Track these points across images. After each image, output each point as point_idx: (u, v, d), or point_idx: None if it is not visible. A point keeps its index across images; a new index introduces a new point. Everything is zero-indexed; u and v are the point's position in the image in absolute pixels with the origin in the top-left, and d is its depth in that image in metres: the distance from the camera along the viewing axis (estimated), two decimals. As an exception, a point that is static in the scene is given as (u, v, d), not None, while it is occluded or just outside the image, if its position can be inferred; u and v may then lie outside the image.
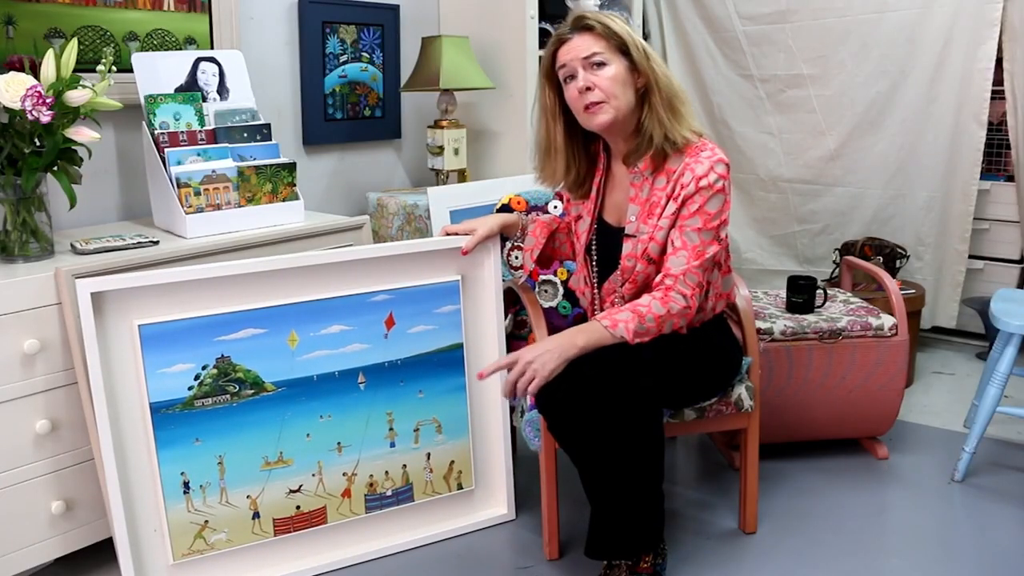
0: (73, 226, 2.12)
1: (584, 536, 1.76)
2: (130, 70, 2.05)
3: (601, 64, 1.70)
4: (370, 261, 1.87)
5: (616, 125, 1.74)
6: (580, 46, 1.71)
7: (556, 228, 2.01)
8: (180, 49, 2.28)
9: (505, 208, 2.24)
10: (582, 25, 1.72)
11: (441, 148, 2.75)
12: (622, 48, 1.70)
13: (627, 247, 1.76)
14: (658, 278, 1.71)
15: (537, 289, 2.23)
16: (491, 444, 2.07)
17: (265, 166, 2.09)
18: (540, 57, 1.85)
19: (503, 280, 2.08)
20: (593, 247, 1.86)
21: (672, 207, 1.69)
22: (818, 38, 3.25)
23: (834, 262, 3.15)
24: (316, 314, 1.83)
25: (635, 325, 1.63)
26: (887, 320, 2.33)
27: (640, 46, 1.70)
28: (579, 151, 1.84)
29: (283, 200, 2.13)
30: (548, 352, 1.62)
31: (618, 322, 1.64)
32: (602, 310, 1.83)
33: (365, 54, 2.82)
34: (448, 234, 1.95)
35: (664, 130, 1.69)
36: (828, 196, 3.37)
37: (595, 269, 1.87)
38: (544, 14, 2.91)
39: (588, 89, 1.70)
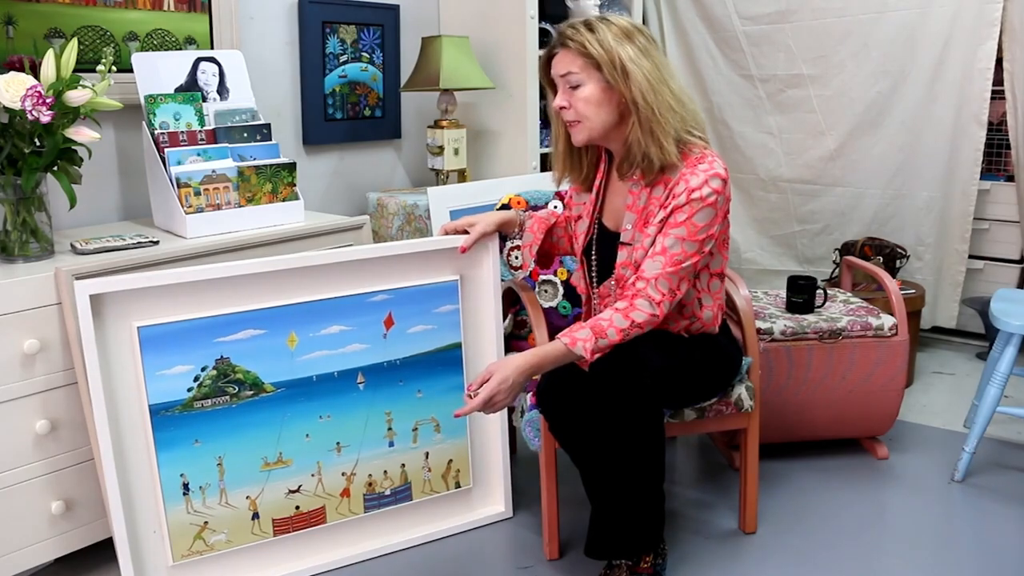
0: (73, 226, 2.12)
1: (584, 536, 1.76)
2: (130, 70, 2.05)
3: (576, 85, 1.69)
4: (369, 261, 1.87)
5: (599, 140, 1.75)
6: (560, 63, 1.71)
7: (554, 223, 2.01)
8: (180, 49, 2.28)
9: (505, 208, 2.24)
10: (561, 41, 1.70)
11: (441, 148, 2.75)
12: (599, 66, 1.66)
13: (622, 255, 1.75)
14: (631, 279, 1.70)
15: (537, 289, 2.23)
16: (489, 443, 2.07)
17: (265, 166, 2.09)
18: (540, 57, 1.84)
19: (503, 280, 2.08)
20: (593, 250, 1.86)
21: (661, 214, 1.68)
22: (818, 38, 3.25)
23: (834, 262, 3.15)
24: (315, 315, 1.83)
25: (592, 344, 1.61)
26: (887, 320, 2.33)
27: (618, 64, 1.63)
28: (586, 152, 1.84)
29: (283, 200, 2.13)
30: (514, 387, 1.63)
31: (577, 340, 1.62)
32: (599, 310, 1.83)
33: (365, 54, 2.82)
34: (446, 232, 1.95)
35: (642, 149, 1.66)
36: (828, 196, 3.37)
37: (594, 271, 1.87)
38: (544, 14, 2.91)
39: (564, 108, 1.72)
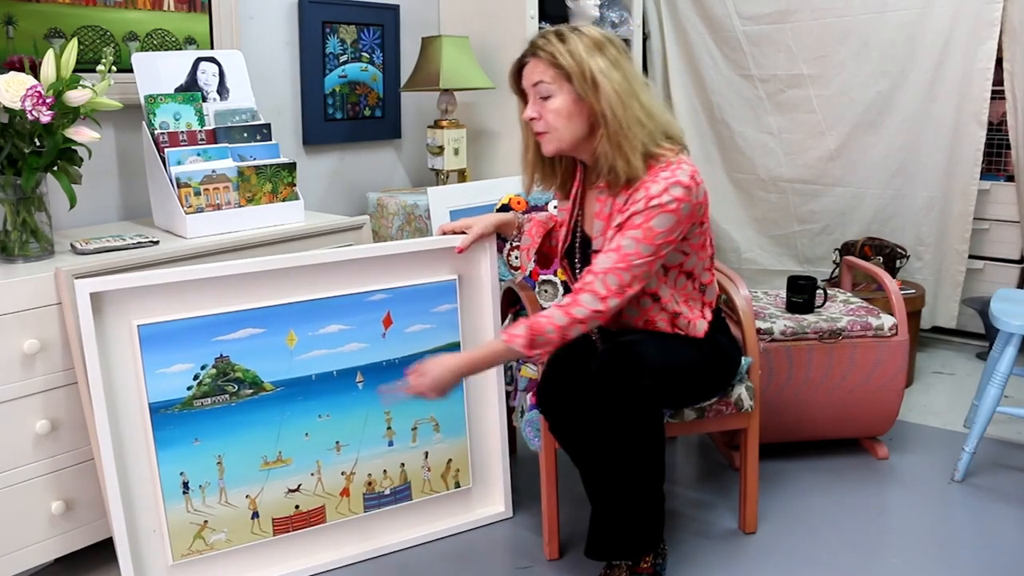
0: (73, 226, 2.12)
1: (584, 536, 1.76)
2: (130, 70, 2.06)
3: (547, 96, 1.67)
4: (367, 260, 1.88)
5: (568, 151, 1.74)
6: (531, 72, 1.69)
7: (552, 227, 2.01)
8: (180, 49, 2.29)
9: (505, 208, 2.24)
10: (532, 51, 1.68)
11: (441, 148, 2.75)
12: (569, 78, 1.64)
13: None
14: (582, 274, 1.70)
15: (537, 289, 2.23)
16: (488, 442, 2.07)
17: (265, 166, 2.10)
18: (511, 66, 1.81)
19: (503, 280, 2.08)
20: (576, 255, 1.85)
21: (619, 219, 1.66)
22: (818, 38, 3.25)
23: (834, 262, 3.15)
24: (314, 313, 1.83)
25: (524, 340, 1.61)
26: (887, 320, 2.33)
27: (588, 76, 1.62)
28: (559, 161, 1.83)
29: (283, 200, 2.13)
30: (437, 382, 1.65)
31: (514, 337, 1.62)
32: None
33: (365, 54, 2.82)
34: (444, 232, 1.95)
35: (609, 162, 1.64)
36: (828, 196, 3.37)
37: (577, 276, 1.86)
38: (544, 14, 2.92)
39: (534, 118, 1.70)
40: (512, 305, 2.23)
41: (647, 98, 1.68)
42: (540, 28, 2.86)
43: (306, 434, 1.85)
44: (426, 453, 1.99)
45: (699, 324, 1.78)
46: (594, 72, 1.62)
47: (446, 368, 1.66)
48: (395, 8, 2.87)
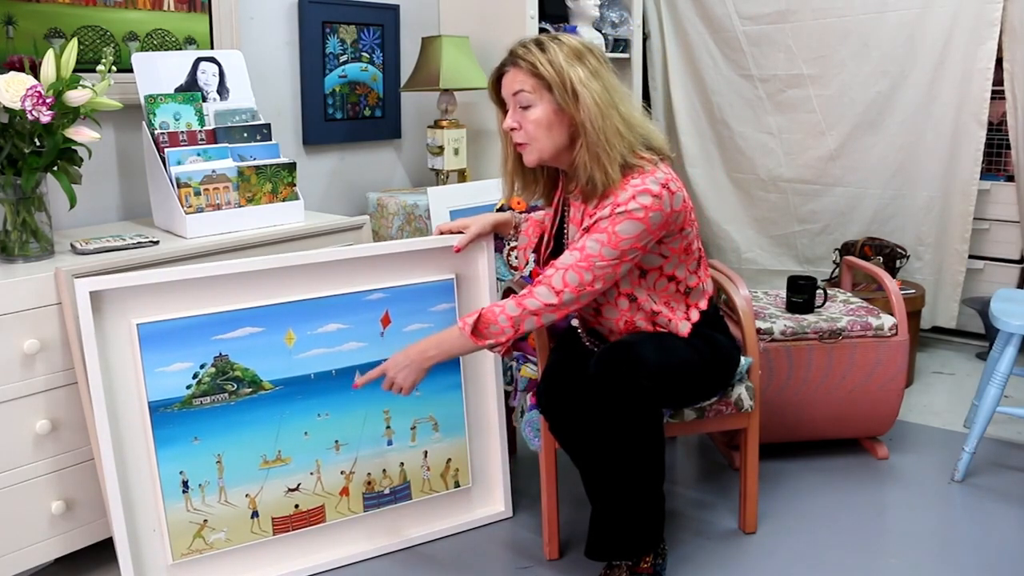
0: (73, 226, 2.12)
1: (584, 536, 1.76)
2: (130, 70, 2.06)
3: (527, 106, 1.66)
4: (365, 260, 1.88)
5: (549, 161, 1.73)
6: (511, 82, 1.68)
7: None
8: (180, 49, 2.29)
9: (504, 208, 2.25)
10: (512, 60, 1.68)
11: (441, 148, 2.76)
12: (550, 88, 1.64)
13: None
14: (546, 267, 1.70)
15: (536, 289, 2.23)
16: (488, 442, 2.07)
17: (265, 166, 2.10)
18: (490, 75, 1.80)
19: (503, 280, 2.08)
20: None
21: (587, 222, 1.66)
22: (818, 38, 3.25)
23: (834, 262, 3.15)
24: (313, 313, 1.83)
25: (471, 327, 1.62)
26: (887, 320, 2.33)
27: (569, 86, 1.61)
28: (541, 170, 1.82)
29: (283, 200, 2.13)
30: (407, 368, 1.69)
31: (466, 324, 1.64)
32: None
33: (365, 54, 2.83)
34: (441, 232, 1.96)
35: (587, 173, 1.64)
36: (828, 196, 3.37)
37: None
38: (544, 14, 2.92)
39: (514, 129, 1.70)
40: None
41: (626, 108, 1.68)
42: (541, 28, 2.86)
43: (305, 433, 1.85)
44: (425, 452, 1.99)
45: (681, 325, 1.76)
46: (574, 82, 1.62)
47: (406, 356, 1.69)
48: (395, 8, 2.87)
